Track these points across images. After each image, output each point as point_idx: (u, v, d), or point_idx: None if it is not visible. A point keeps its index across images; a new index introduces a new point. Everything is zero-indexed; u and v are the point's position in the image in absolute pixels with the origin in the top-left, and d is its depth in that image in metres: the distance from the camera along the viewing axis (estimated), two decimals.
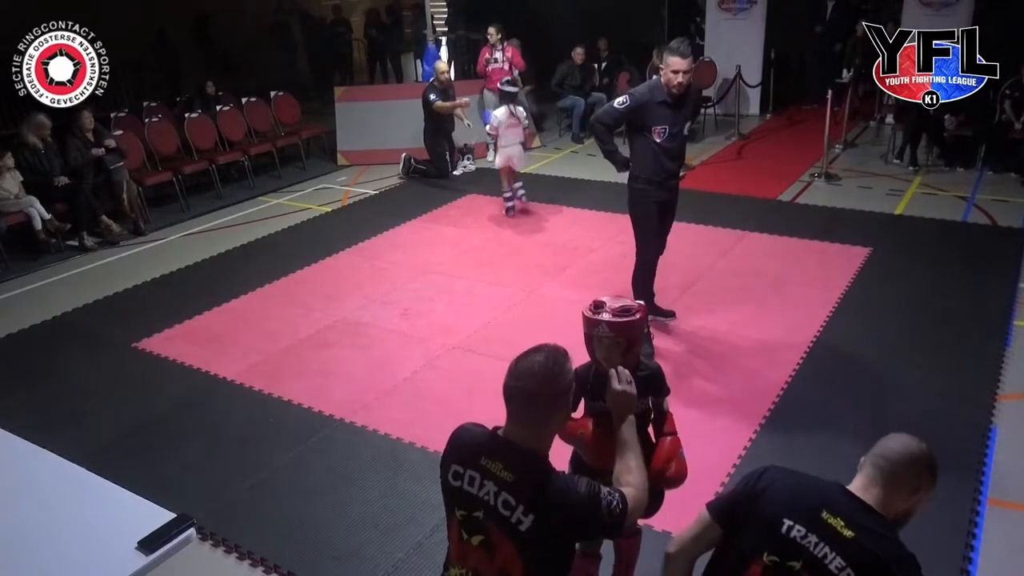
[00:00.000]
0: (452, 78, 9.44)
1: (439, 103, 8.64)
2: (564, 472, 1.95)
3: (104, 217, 7.43)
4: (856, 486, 1.84)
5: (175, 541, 2.33)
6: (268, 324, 5.47)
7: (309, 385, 4.64)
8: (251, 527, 3.51)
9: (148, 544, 2.28)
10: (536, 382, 1.81)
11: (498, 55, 9.45)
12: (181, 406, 4.53)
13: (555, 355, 1.84)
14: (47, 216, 7.08)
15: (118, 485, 2.63)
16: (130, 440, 4.21)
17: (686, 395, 4.33)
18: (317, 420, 4.30)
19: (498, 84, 8.04)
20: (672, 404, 4.42)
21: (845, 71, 10.11)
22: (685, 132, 4.69)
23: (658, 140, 4.54)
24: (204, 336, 5.37)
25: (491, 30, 9.53)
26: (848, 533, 1.75)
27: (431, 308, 5.61)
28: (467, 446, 1.91)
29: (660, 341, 4.93)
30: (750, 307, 5.33)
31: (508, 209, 7.49)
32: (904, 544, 1.78)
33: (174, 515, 2.41)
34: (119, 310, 5.92)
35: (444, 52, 13.21)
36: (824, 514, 1.78)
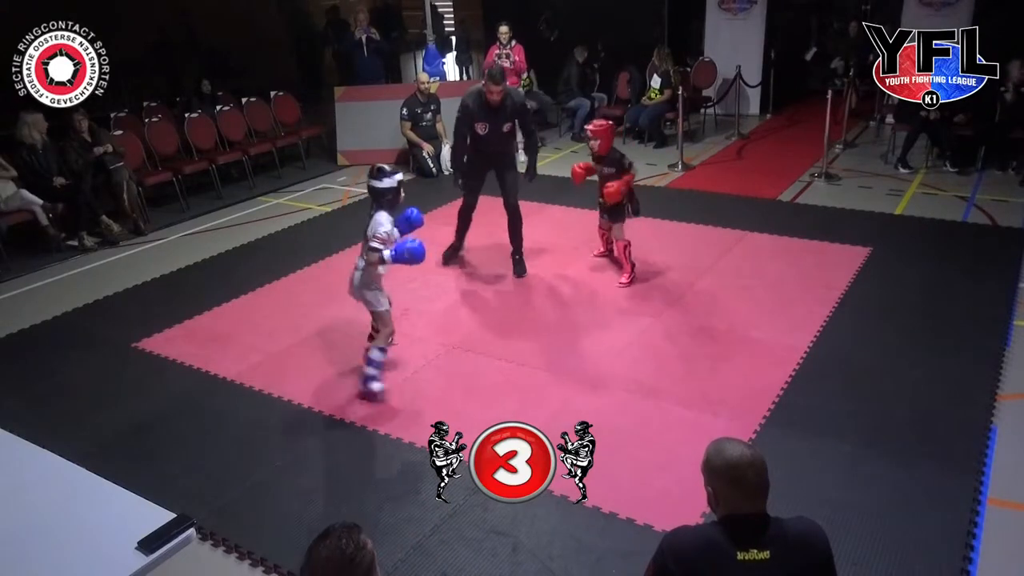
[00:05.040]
0: (469, 76, 9.25)
1: (406, 128, 8.81)
2: None
3: (104, 217, 7.42)
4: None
5: (175, 541, 2.33)
6: (268, 324, 5.47)
7: (309, 385, 4.64)
8: (251, 527, 3.51)
9: (148, 544, 2.28)
10: (345, 570, 1.70)
11: (506, 54, 9.21)
12: (181, 406, 4.52)
13: (348, 534, 1.73)
14: (44, 223, 7.10)
15: (118, 485, 2.64)
16: (130, 440, 4.21)
17: (685, 395, 4.33)
18: (317, 420, 4.30)
19: (369, 177, 4.32)
20: (672, 404, 4.43)
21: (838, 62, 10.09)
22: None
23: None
24: (204, 336, 5.37)
25: (503, 28, 9.22)
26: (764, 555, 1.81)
27: (431, 308, 5.60)
28: None
29: (659, 341, 4.94)
30: (750, 307, 5.33)
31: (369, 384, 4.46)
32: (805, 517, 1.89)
33: (174, 515, 2.41)
34: (119, 310, 5.92)
35: (452, 53, 13.11)
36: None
